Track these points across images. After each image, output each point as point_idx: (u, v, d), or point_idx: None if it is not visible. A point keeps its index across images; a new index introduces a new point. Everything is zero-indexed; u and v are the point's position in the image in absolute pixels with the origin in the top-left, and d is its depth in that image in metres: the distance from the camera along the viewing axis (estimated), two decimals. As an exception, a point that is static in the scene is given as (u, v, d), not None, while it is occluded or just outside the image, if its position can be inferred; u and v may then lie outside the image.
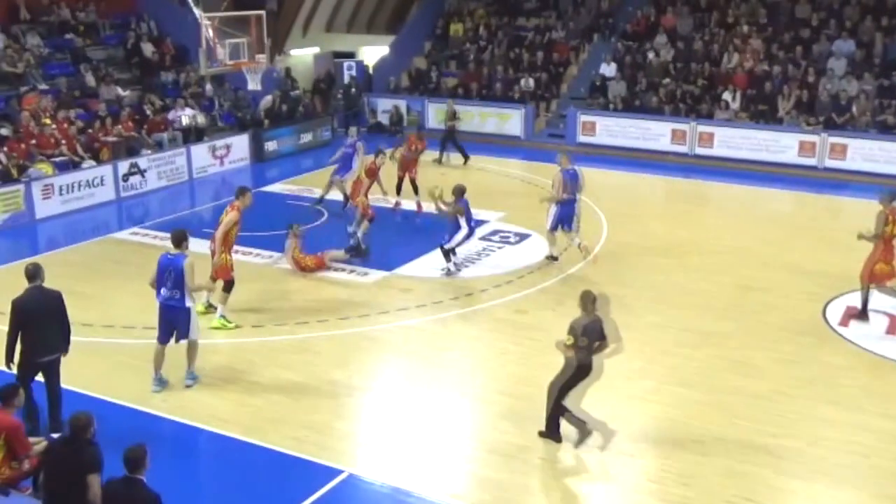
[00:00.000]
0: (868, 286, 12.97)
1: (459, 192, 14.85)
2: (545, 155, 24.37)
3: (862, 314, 13.07)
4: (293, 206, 18.88)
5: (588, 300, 9.40)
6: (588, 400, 10.69)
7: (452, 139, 23.54)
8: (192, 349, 10.87)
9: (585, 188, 15.83)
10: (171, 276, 10.40)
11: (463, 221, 14.75)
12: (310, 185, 20.61)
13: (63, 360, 9.77)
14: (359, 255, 15.52)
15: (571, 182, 15.28)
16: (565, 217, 15.30)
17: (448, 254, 14.89)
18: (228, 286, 12.72)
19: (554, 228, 15.40)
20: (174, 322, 10.61)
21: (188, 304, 10.49)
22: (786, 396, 10.80)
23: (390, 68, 29.56)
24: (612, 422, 10.17)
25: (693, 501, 8.73)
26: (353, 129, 19.79)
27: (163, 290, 10.51)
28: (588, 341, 9.31)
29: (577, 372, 9.48)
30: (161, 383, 10.85)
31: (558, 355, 11.86)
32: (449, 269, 14.93)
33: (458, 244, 14.91)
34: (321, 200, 19.01)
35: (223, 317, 12.72)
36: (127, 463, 6.96)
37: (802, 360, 11.84)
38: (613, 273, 15.01)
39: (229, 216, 12.49)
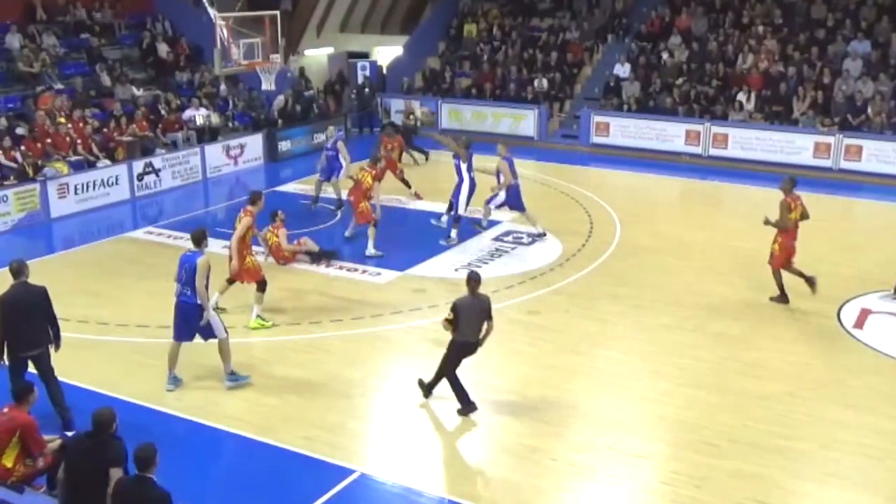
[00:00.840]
0: (778, 271, 13.58)
1: (466, 143, 16.39)
2: (559, 156, 24.48)
3: (781, 297, 13.60)
4: (306, 206, 18.93)
5: (469, 281, 10.09)
6: (600, 402, 10.72)
7: (409, 137, 23.54)
8: (222, 349, 10.87)
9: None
10: (185, 273, 10.53)
11: (464, 170, 16.07)
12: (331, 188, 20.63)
13: (70, 357, 9.87)
14: (328, 258, 15.52)
15: (512, 168, 16.51)
16: (512, 201, 16.68)
17: (458, 220, 16.23)
18: (262, 286, 12.81)
19: (497, 207, 17.05)
20: (187, 318, 10.65)
21: (199, 300, 10.55)
22: (799, 398, 10.76)
23: (404, 68, 29.58)
24: (625, 422, 10.21)
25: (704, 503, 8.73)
26: (330, 130, 19.66)
27: (177, 286, 10.65)
28: (462, 321, 9.94)
29: (453, 347, 10.12)
30: (175, 382, 10.91)
31: (572, 356, 11.96)
32: (450, 236, 16.18)
33: (466, 204, 16.19)
34: (317, 200, 19.07)
35: (259, 316, 12.80)
36: (137, 462, 6.98)
37: (816, 362, 11.80)
38: (626, 274, 15.01)
39: (243, 222, 12.54)
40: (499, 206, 17.01)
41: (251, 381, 11.02)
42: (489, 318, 10.15)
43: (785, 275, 13.50)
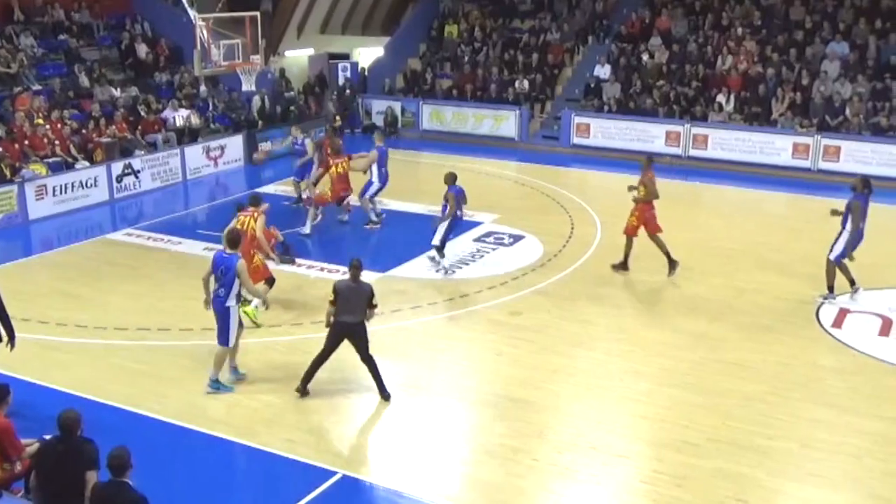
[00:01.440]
0: (631, 240, 14.94)
1: (452, 178, 15.08)
2: (540, 157, 24.52)
3: (623, 265, 15.01)
4: (286, 207, 18.85)
5: (350, 268, 10.55)
6: (581, 402, 10.73)
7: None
8: (218, 355, 10.80)
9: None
10: (222, 274, 10.55)
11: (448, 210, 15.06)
12: (302, 186, 20.53)
13: (48, 359, 9.77)
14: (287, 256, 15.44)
15: (384, 157, 17.63)
16: (384, 188, 17.69)
17: (440, 250, 15.08)
18: (270, 283, 13.05)
19: (374, 196, 17.81)
20: (217, 316, 10.68)
21: (229, 303, 10.54)
22: (779, 398, 10.81)
23: (385, 70, 29.55)
24: (606, 422, 10.23)
25: (685, 503, 8.74)
26: (294, 130, 19.93)
27: (214, 284, 10.69)
28: (340, 303, 10.36)
29: (334, 327, 10.53)
30: (236, 374, 11.09)
31: (553, 356, 11.96)
32: (440, 265, 15.09)
33: (444, 237, 15.01)
34: (300, 199, 19.00)
35: (257, 307, 12.69)
36: (111, 467, 6.88)
37: (795, 362, 11.86)
38: (607, 274, 15.04)
39: (259, 221, 12.75)
40: (375, 194, 17.75)
41: (234, 391, 10.93)
42: (371, 305, 10.55)
43: (790, 279, 13.92)
